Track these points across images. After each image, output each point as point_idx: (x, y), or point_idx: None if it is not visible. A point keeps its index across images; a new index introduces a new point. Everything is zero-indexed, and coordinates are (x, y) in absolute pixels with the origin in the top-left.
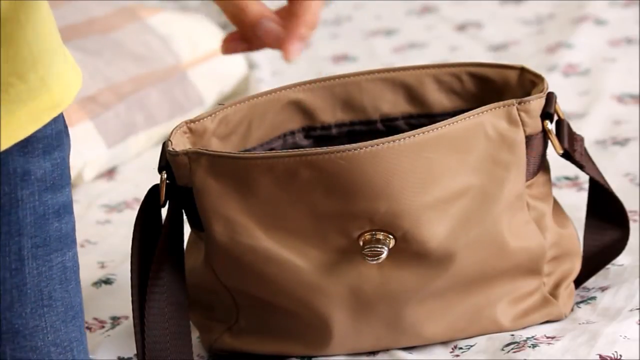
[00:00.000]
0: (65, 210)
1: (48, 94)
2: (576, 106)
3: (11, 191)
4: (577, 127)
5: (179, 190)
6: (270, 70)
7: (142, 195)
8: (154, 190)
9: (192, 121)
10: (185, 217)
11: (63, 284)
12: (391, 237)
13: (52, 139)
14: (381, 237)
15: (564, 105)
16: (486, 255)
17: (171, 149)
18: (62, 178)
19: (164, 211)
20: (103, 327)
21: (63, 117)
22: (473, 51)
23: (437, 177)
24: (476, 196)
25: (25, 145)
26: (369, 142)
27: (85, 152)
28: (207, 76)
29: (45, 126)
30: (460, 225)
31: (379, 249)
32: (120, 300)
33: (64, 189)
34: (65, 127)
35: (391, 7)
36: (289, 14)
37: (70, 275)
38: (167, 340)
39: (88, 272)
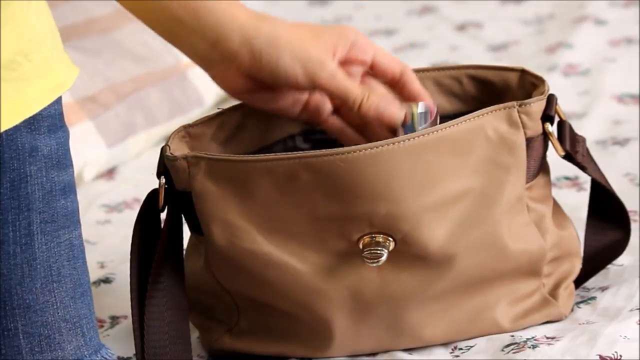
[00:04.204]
0: (70, 189)
1: (52, 73)
2: (576, 106)
3: (20, 166)
4: (577, 127)
5: (178, 195)
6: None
7: (142, 195)
8: (152, 195)
9: (190, 126)
10: (184, 221)
11: (71, 261)
12: (391, 239)
13: (56, 118)
14: (381, 239)
15: (564, 106)
16: (486, 257)
17: (169, 154)
18: (66, 157)
19: (164, 215)
20: (102, 326)
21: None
22: (473, 51)
23: (437, 180)
24: (476, 198)
25: (32, 123)
26: (369, 144)
27: (85, 152)
28: (207, 76)
29: (49, 106)
30: (460, 228)
31: (378, 252)
32: (119, 300)
33: (68, 168)
34: (63, 112)
35: (391, 7)
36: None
37: (78, 253)
38: (166, 345)
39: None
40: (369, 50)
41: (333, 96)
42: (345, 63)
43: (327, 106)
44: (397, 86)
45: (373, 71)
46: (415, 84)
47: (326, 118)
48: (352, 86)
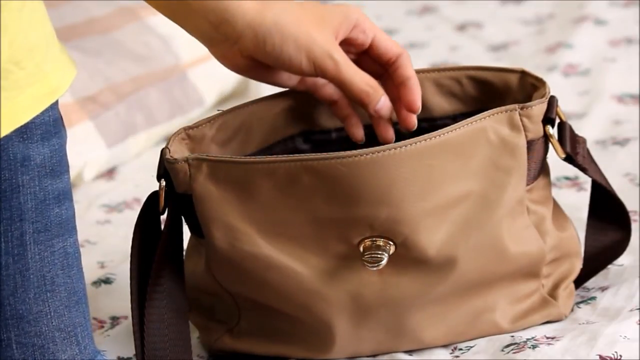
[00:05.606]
0: (65, 196)
1: (45, 80)
2: (576, 106)
3: (12, 177)
4: (577, 127)
5: (178, 198)
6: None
7: (141, 196)
8: (152, 198)
9: (190, 127)
10: (185, 223)
11: (65, 270)
12: (391, 243)
13: (50, 125)
14: (381, 243)
15: (564, 106)
16: (486, 260)
17: (169, 157)
18: (60, 165)
19: (163, 217)
20: (102, 327)
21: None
22: (473, 51)
23: (438, 184)
24: (477, 201)
25: (24, 132)
26: (370, 149)
27: (85, 152)
28: (207, 76)
29: (43, 113)
30: (461, 231)
31: (379, 256)
32: (119, 300)
33: (62, 175)
34: (61, 116)
35: (391, 7)
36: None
37: (72, 261)
38: (166, 347)
39: (88, 272)
40: (369, 33)
41: (337, 85)
42: (344, 44)
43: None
44: (390, 69)
45: (370, 52)
46: (407, 70)
47: (321, 88)
48: (359, 79)
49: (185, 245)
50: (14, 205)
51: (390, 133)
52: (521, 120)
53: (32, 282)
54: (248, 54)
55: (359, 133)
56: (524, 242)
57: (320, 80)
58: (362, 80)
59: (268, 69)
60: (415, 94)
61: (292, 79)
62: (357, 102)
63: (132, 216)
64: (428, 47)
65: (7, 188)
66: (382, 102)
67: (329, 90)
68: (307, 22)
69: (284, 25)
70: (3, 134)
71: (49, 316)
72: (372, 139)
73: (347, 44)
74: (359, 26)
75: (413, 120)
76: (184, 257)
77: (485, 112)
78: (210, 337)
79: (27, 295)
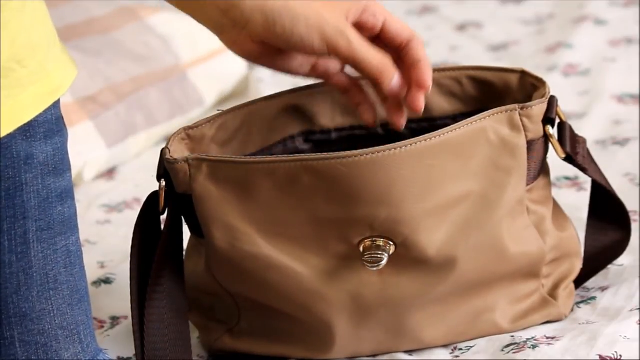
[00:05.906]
0: (68, 194)
1: (47, 78)
2: (576, 106)
3: (15, 175)
4: (577, 127)
5: (178, 198)
6: (270, 70)
7: (141, 196)
8: (152, 198)
9: (190, 127)
10: (185, 223)
11: (68, 268)
12: (391, 243)
13: (53, 123)
14: (381, 243)
15: (564, 106)
16: (486, 260)
17: (169, 157)
18: (63, 163)
19: (163, 217)
20: (102, 327)
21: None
22: (473, 51)
23: (438, 184)
24: (477, 202)
25: (27, 130)
26: (370, 149)
27: (85, 152)
28: (207, 76)
29: (45, 111)
30: (461, 231)
31: (379, 256)
32: (119, 300)
33: (65, 173)
34: (62, 115)
35: (391, 7)
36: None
37: (75, 259)
38: (166, 347)
39: (88, 272)
40: (380, 17)
41: (350, 64)
42: (355, 28)
43: (335, 65)
44: (402, 53)
45: (382, 36)
46: (418, 52)
47: (333, 76)
48: (372, 56)
49: (185, 245)
50: (17, 204)
51: (403, 119)
52: (521, 120)
53: (35, 280)
54: (259, 39)
55: (372, 117)
56: (524, 242)
57: (332, 68)
58: (376, 58)
59: (279, 55)
60: (426, 74)
61: (304, 67)
62: (371, 80)
63: (132, 216)
64: (428, 47)
65: (10, 186)
66: (397, 80)
67: (342, 78)
68: (317, 4)
69: (293, 7)
70: (6, 133)
71: (52, 314)
72: (374, 139)
73: (358, 28)
74: (369, 9)
75: (421, 102)
76: (184, 257)
77: (485, 112)
78: (210, 337)
79: (30, 293)
